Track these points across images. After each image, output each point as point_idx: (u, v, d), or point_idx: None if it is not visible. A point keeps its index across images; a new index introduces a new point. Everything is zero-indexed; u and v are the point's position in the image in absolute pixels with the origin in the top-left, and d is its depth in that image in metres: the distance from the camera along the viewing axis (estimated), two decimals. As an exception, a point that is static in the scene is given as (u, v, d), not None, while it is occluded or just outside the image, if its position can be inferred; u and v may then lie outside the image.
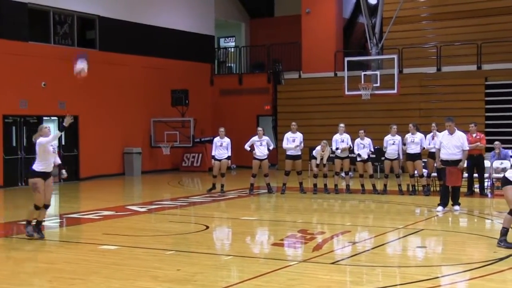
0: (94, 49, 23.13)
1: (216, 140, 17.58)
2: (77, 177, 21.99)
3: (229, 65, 30.35)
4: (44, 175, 10.42)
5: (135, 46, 24.45)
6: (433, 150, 15.09)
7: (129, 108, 24.16)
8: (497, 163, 16.57)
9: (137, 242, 10.21)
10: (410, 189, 16.69)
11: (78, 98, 21.99)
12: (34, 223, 10.56)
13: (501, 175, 10.69)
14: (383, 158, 17.51)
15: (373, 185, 16.85)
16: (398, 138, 16.58)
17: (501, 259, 8.61)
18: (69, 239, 10.83)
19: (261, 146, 17.10)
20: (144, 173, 24.20)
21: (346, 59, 22.33)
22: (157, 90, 25.19)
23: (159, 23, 25.69)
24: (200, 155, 26.05)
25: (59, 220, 13.13)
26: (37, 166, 10.39)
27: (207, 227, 11.71)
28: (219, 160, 17.40)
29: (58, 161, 11.05)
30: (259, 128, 17.67)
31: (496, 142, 16.97)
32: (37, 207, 10.44)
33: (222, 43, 32.05)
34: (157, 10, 25.74)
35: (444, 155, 13.46)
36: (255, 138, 17.16)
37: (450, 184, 13.44)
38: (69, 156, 21.82)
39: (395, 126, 16.80)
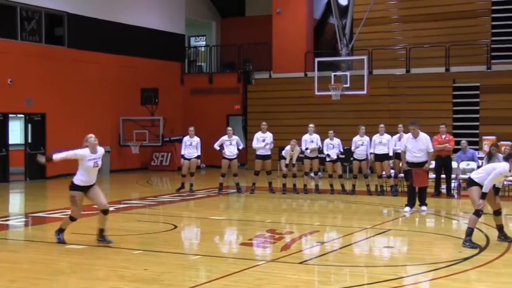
0: (62, 46, 22.89)
1: (186, 139, 17.51)
2: (43, 175, 21.71)
3: (200, 64, 30.26)
4: (85, 188, 9.87)
5: (105, 44, 24.23)
6: (399, 151, 15.22)
7: (97, 106, 23.93)
8: (463, 164, 16.79)
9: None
10: (378, 189, 16.81)
11: (45, 95, 21.75)
12: (60, 229, 10.07)
13: (467, 176, 10.81)
14: (352, 159, 17.61)
15: (342, 185, 16.93)
16: (366, 138, 16.70)
17: (466, 259, 8.71)
18: (34, 239, 10.69)
19: (230, 145, 17.07)
20: (113, 172, 23.99)
21: (317, 59, 22.42)
22: (127, 88, 25.00)
23: (129, 21, 25.50)
24: (169, 154, 25.92)
25: (24, 219, 12.95)
26: (77, 179, 9.83)
27: (176, 227, 11.65)
28: (189, 159, 17.35)
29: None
30: (229, 128, 17.66)
31: (463, 141, 17.22)
32: (72, 219, 9.96)
33: (193, 42, 31.92)
34: (127, 8, 25.55)
35: (410, 157, 13.62)
36: (225, 137, 17.13)
37: (417, 185, 13.58)
38: (36, 154, 21.50)
39: (363, 127, 16.92)
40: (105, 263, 8.54)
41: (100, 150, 10.06)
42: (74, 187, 9.84)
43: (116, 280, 7.62)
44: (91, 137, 10.05)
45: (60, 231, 10.02)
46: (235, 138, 17.22)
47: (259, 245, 10.23)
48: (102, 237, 9.87)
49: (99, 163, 9.94)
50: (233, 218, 13.58)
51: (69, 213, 10.09)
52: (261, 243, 10.35)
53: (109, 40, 24.44)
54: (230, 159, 17.04)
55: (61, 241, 9.89)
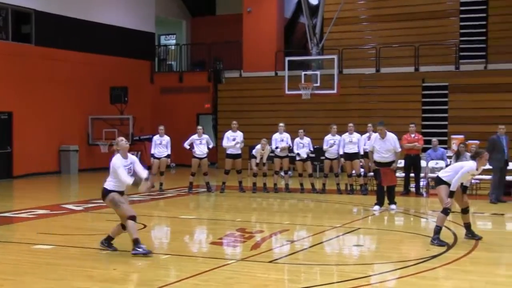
0: (30, 44, 22.58)
1: (156, 138, 17.40)
2: (10, 175, 21.40)
3: (170, 63, 30.11)
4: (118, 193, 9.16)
5: (73, 41, 23.96)
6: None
7: (66, 105, 23.65)
8: (432, 163, 16.96)
9: (72, 242, 10.00)
10: (348, 188, 16.88)
11: (12, 93, 21.44)
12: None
13: (436, 175, 10.91)
14: (322, 158, 17.66)
15: (312, 184, 16.97)
16: (338, 138, 16.76)
17: (434, 256, 8.78)
18: (1, 239, 10.49)
19: (200, 144, 17.01)
20: (81, 171, 23.74)
21: (287, 58, 22.49)
22: (96, 87, 24.75)
23: (98, 19, 25.26)
24: (139, 153, 25.70)
25: (-10, 219, 12.73)
26: (109, 184, 9.15)
27: (145, 226, 11.54)
28: (159, 159, 17.25)
29: (144, 175, 9.28)
30: (199, 127, 17.59)
31: (435, 140, 17.43)
32: (132, 218, 9.02)
33: (163, 40, 31.77)
34: (96, 5, 25.29)
35: (377, 158, 13.72)
36: (195, 136, 17.07)
37: (385, 184, 13.69)
38: (2, 153, 21.24)
39: (335, 126, 16.98)
40: (73, 263, 8.43)
41: (131, 157, 9.37)
42: (107, 191, 9.12)
43: (84, 280, 7.53)
44: (122, 140, 9.36)
45: (136, 242, 8.95)
46: (205, 137, 17.16)
47: (229, 244, 10.20)
48: (108, 244, 9.29)
49: (132, 169, 9.22)
50: (203, 217, 13.53)
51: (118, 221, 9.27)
52: (231, 242, 10.31)
53: (77, 38, 24.17)
54: (200, 158, 16.97)
55: (146, 252, 8.88)
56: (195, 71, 28.49)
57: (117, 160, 9.14)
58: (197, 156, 17.00)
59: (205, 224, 12.63)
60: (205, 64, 28.19)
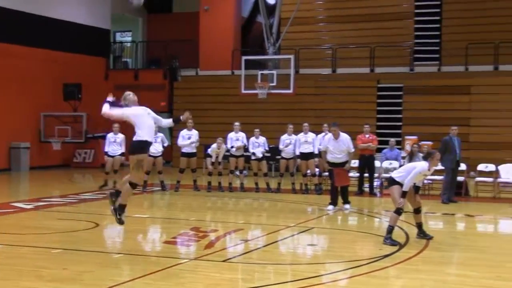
0: (-19, 39, 22.11)
1: (110, 136, 17.21)
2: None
3: (125, 60, 29.77)
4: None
5: (26, 37, 23.49)
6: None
7: (17, 101, 23.18)
8: (386, 163, 17.15)
9: (22, 240, 9.77)
10: (303, 188, 16.94)
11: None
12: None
13: (389, 175, 11.02)
14: (278, 157, 17.68)
15: (267, 184, 16.99)
16: (294, 137, 16.80)
17: (386, 256, 8.86)
18: None
19: (155, 143, 16.79)
20: (33, 169, 23.30)
21: (244, 57, 22.44)
22: (49, 83, 24.33)
23: (53, 15, 24.82)
24: (93, 151, 25.42)
25: None
26: (140, 136, 9.23)
27: (97, 225, 11.40)
28: (112, 157, 17.07)
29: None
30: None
31: (392, 140, 17.64)
32: (134, 185, 9.21)
33: (118, 37, 31.40)
34: (51, 1, 24.87)
35: (331, 158, 13.80)
36: (150, 134, 16.88)
37: (338, 184, 13.78)
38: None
39: (291, 126, 17.03)
40: (23, 262, 8.25)
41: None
42: (140, 147, 9.21)
43: (33, 280, 7.37)
44: (130, 94, 9.56)
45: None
46: (160, 135, 17.00)
47: (182, 243, 10.11)
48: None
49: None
50: (157, 216, 13.41)
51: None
52: (185, 241, 10.23)
53: (31, 34, 23.71)
54: (155, 157, 16.80)
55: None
56: (151, 69, 28.25)
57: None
58: (151, 154, 16.79)
59: (159, 223, 12.52)
60: (161, 61, 27.96)
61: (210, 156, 17.36)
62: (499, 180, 16.45)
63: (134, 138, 9.27)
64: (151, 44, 29.55)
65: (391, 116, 23.40)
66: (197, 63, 26.45)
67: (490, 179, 16.66)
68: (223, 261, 8.52)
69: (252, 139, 16.98)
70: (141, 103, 28.05)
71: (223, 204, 15.34)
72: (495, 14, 23.71)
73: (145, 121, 9.36)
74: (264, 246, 9.81)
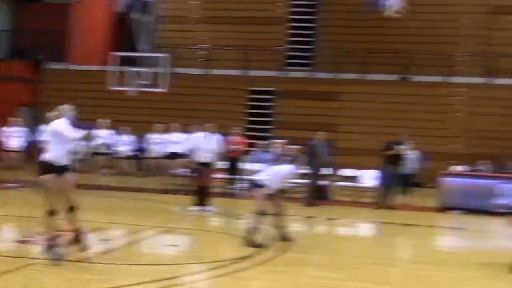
0: None
1: None
2: None
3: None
4: None
5: None
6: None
7: None
8: (253, 166, 17.22)
9: None
10: (169, 187, 16.73)
11: None
12: None
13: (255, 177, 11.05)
14: (148, 156, 17.40)
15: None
16: (165, 136, 16.60)
17: (247, 257, 8.85)
18: None
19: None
20: None
21: (117, 54, 21.92)
22: None
23: None
24: None
25: None
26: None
27: None
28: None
29: None
30: (18, 119, 16.62)
31: (264, 142, 17.82)
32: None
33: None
34: None
35: (199, 157, 13.72)
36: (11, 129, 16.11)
37: (203, 185, 13.72)
38: None
39: (160, 125, 16.80)
40: None
41: None
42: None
43: None
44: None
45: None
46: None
47: (37, 243, 9.61)
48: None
49: None
50: (11, 214, 12.69)
51: None
52: (39, 241, 9.73)
53: None
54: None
55: None
56: (15, 60, 26.84)
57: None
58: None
59: (13, 221, 11.86)
60: (28, 53, 26.63)
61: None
62: (360, 184, 17.01)
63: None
64: (17, 33, 28.00)
65: (262, 119, 23.65)
66: (67, 56, 25.50)
67: (352, 184, 17.18)
68: (80, 261, 8.17)
69: (121, 137, 16.60)
70: (4, 96, 26.61)
71: (85, 203, 14.74)
72: (365, 25, 24.53)
73: None
74: (124, 246, 9.57)
